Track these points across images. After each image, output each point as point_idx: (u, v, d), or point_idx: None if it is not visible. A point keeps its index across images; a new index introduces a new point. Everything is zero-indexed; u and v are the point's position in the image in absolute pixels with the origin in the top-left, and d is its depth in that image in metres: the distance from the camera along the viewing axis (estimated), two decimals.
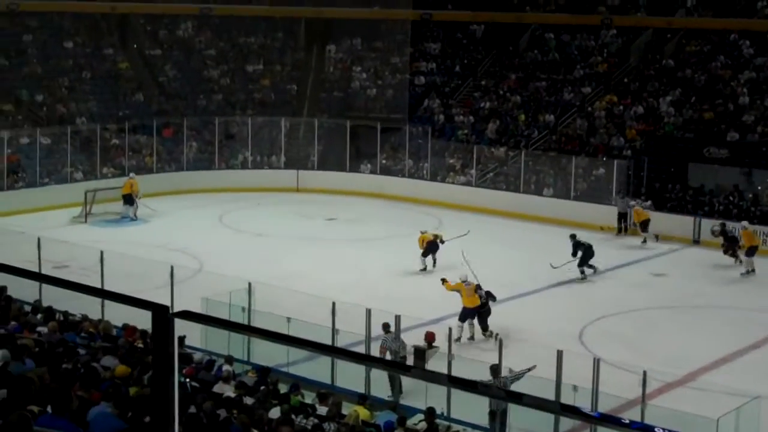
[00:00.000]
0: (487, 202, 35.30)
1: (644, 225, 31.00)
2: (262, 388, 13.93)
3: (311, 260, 27.21)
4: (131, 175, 33.16)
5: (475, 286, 20.77)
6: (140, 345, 15.00)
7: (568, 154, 36.61)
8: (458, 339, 19.20)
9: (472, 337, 20.05)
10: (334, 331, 16.94)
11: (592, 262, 26.10)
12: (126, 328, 16.17)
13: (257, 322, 17.74)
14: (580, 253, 25.90)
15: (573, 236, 26.41)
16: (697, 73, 39.49)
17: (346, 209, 34.83)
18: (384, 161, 39.49)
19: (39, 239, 21.47)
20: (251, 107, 42.70)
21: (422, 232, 26.74)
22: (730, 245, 28.49)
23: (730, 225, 29.92)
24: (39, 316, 16.66)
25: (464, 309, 20.46)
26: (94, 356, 13.39)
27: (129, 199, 31.89)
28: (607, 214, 32.68)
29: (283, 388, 14.32)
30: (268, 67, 45.27)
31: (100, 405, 10.02)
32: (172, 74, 43.76)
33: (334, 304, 17.10)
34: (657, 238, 30.67)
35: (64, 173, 35.37)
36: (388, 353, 16.54)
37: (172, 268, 19.50)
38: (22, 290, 19.97)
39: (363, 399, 14.25)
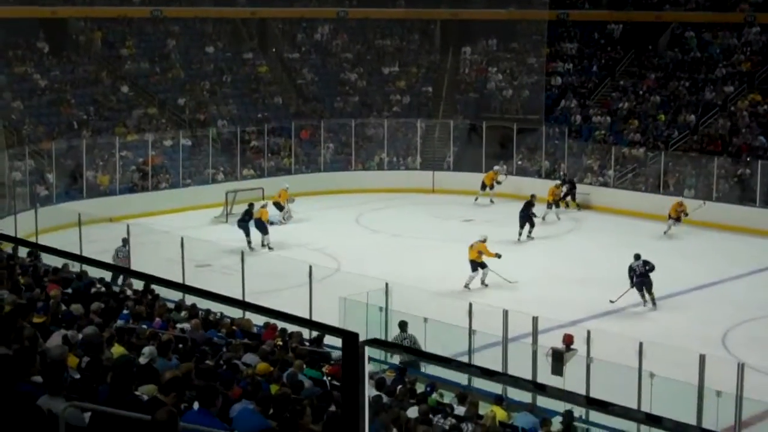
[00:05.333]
0: (625, 203, 34.72)
1: None
2: (400, 387, 14.00)
3: (448, 261, 27.17)
4: (285, 186, 33.39)
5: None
6: (280, 343, 15.26)
7: (710, 155, 35.74)
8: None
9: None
10: (471, 332, 16.92)
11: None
12: (267, 326, 16.46)
13: (394, 322, 17.89)
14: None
15: (638, 257, 23.44)
16: None
17: (482, 210, 34.75)
18: (520, 162, 39.25)
19: (182, 239, 21.99)
20: (387, 109, 42.99)
21: None
22: None
23: None
24: (183, 313, 17.06)
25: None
26: (235, 353, 13.67)
27: (279, 206, 32.17)
28: (750, 215, 31.78)
29: (420, 388, 14.37)
30: (403, 69, 45.51)
31: (242, 402, 10.18)
32: (309, 77, 44.39)
33: (470, 304, 17.07)
34: None
35: (206, 174, 36.27)
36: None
37: (310, 267, 19.74)
38: (167, 290, 20.68)
39: (500, 400, 14.19)
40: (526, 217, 29.68)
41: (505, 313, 16.67)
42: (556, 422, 13.49)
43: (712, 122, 38.57)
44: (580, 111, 41.70)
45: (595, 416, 14.61)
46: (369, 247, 29.01)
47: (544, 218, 32.33)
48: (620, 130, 39.64)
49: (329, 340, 16.45)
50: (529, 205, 29.97)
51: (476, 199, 35.83)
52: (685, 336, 20.13)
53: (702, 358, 14.30)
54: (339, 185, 36.75)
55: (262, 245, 28.79)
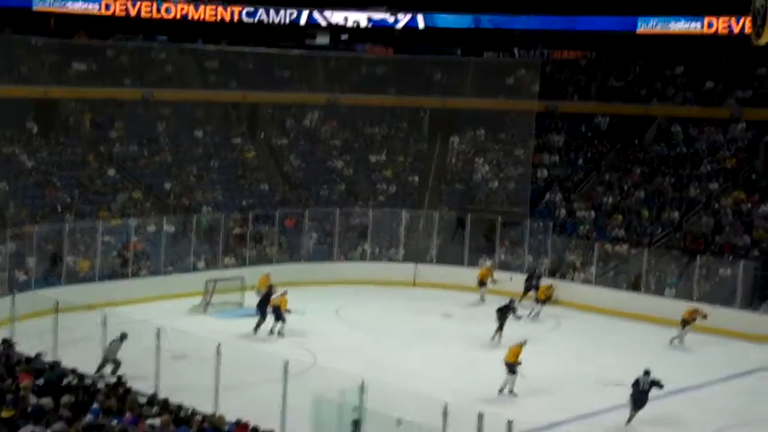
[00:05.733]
0: (606, 302, 34.69)
1: None
2: None
3: (426, 358, 27.09)
4: (266, 272, 33.44)
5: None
6: None
7: (693, 253, 35.77)
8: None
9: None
10: None
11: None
12: (239, 424, 16.25)
13: (369, 420, 17.67)
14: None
15: (648, 373, 22.71)
16: None
17: (463, 305, 34.63)
18: (503, 256, 39.22)
19: (158, 330, 21.81)
20: (373, 198, 43.07)
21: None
22: None
23: None
24: (154, 408, 16.85)
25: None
26: None
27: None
28: (732, 318, 31.75)
29: None
30: (391, 157, 45.73)
31: None
32: (296, 164, 44.54)
33: (446, 405, 16.88)
34: None
35: (187, 262, 36.09)
36: None
37: (286, 363, 19.53)
38: (143, 380, 20.52)
39: None
40: (502, 319, 29.33)
41: (480, 416, 16.47)
42: None
43: (695, 220, 38.71)
44: (565, 205, 41.85)
45: None
46: (346, 342, 28.83)
47: (537, 314, 33.15)
48: (604, 226, 39.74)
49: None
50: (506, 309, 29.60)
51: (482, 298, 35.43)
52: None
53: None
54: (320, 276, 36.61)
55: (270, 332, 29.26)
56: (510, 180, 43.97)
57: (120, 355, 23.61)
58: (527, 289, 34.93)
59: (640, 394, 22.11)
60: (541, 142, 45.72)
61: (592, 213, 40.81)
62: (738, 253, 35.45)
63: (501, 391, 23.93)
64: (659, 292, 34.96)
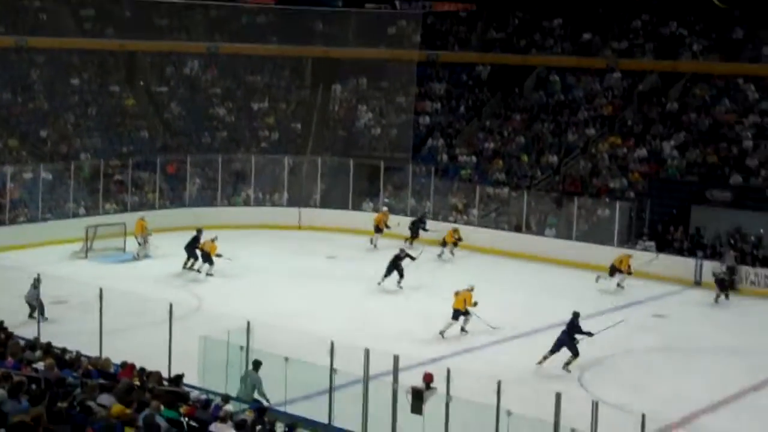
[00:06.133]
0: (488, 242, 35.29)
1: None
2: (259, 427, 13.83)
3: (312, 298, 27.21)
4: (141, 215, 33.26)
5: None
6: (137, 383, 14.92)
7: (571, 195, 36.65)
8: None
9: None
10: (332, 372, 16.83)
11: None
12: (124, 366, 16.09)
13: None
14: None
15: (577, 315, 22.60)
16: (701, 116, 39.55)
17: (347, 248, 34.83)
18: (387, 200, 39.51)
19: (38, 275, 21.43)
20: (255, 145, 42.82)
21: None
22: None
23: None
24: (37, 352, 16.56)
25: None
26: (90, 394, 13.30)
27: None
28: (610, 255, 32.62)
29: (280, 428, 14.23)
30: (273, 105, 45.46)
31: None
32: (177, 111, 43.95)
33: (332, 343, 16.98)
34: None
35: (66, 209, 35.39)
36: None
37: (171, 305, 19.38)
38: (23, 327, 20.12)
39: None
40: (394, 267, 29.13)
41: (367, 351, 16.64)
42: None
43: (573, 164, 39.58)
44: (447, 151, 42.31)
45: None
46: (232, 285, 28.76)
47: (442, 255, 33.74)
48: (485, 170, 40.34)
49: (189, 379, 16.21)
50: (397, 258, 29.28)
51: (374, 244, 35.36)
52: (542, 373, 20.48)
53: (558, 396, 14.48)
54: (204, 221, 36.25)
55: (198, 270, 29.81)
56: (392, 127, 44.21)
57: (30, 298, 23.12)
58: (414, 233, 35.25)
59: (568, 338, 21.90)
60: (423, 90, 46.00)
61: (474, 158, 41.36)
62: (614, 195, 36.43)
63: (442, 333, 24.11)
64: (540, 232, 35.77)
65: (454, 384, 15.45)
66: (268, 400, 16.65)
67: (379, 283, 28.93)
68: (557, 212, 36.65)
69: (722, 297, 29.32)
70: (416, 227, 35.40)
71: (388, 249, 31.35)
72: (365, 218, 37.78)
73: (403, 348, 18.19)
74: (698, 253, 32.30)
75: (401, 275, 28.92)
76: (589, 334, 21.83)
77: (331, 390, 16.55)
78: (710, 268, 30.91)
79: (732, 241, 32.73)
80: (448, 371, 15.87)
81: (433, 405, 15.89)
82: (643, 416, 13.58)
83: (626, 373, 22.00)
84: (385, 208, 36.79)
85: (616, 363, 22.70)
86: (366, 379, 16.51)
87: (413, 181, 39.25)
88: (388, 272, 29.00)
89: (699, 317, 27.82)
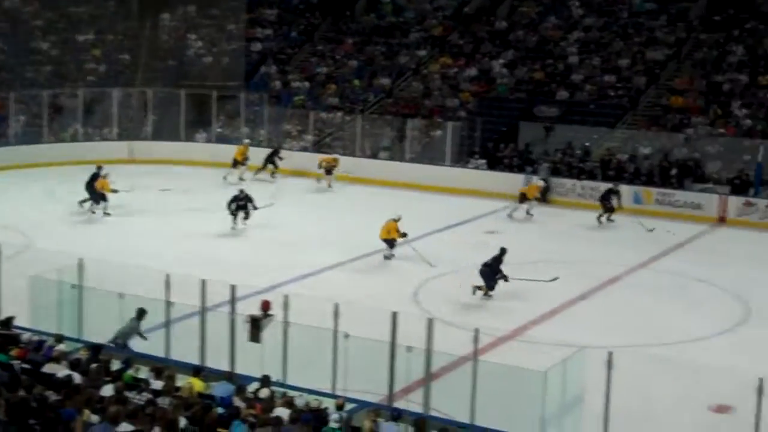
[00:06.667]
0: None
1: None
2: (94, 366, 13.66)
3: (146, 232, 26.84)
4: None
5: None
6: None
7: (404, 117, 36.98)
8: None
9: None
10: (169, 304, 16.69)
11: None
12: None
13: (88, 300, 17.37)
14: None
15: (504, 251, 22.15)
16: (528, 34, 40.30)
17: (181, 179, 34.38)
18: (220, 129, 39.04)
19: None
20: (82, 78, 41.55)
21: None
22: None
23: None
24: None
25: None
26: None
27: None
28: (443, 175, 33.26)
29: (115, 365, 14.08)
30: (99, 36, 44.09)
31: None
32: None
33: (168, 276, 16.82)
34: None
35: None
36: None
37: None
38: None
39: (198, 371, 14.13)
40: (238, 208, 27.33)
41: (203, 282, 16.56)
42: (253, 387, 13.59)
43: (406, 86, 39.89)
44: (280, 77, 42.02)
45: (293, 379, 14.88)
46: (63, 223, 28.09)
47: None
48: (318, 95, 40.27)
49: (19, 321, 15.84)
50: (237, 199, 27.44)
51: (241, 178, 34.27)
52: (379, 294, 20.81)
53: (394, 316, 14.75)
54: (31, 159, 35.20)
55: (93, 211, 29.00)
56: (224, 55, 43.55)
57: None
58: (272, 164, 34.87)
59: (490, 272, 21.70)
60: (253, 16, 45.38)
61: (307, 83, 41.21)
62: (446, 115, 36.94)
63: (388, 257, 24.47)
64: (374, 155, 36.06)
65: (292, 310, 15.55)
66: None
67: (233, 228, 27.54)
68: (391, 135, 36.97)
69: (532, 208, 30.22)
70: (272, 159, 34.99)
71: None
72: (199, 149, 37.38)
73: (240, 278, 18.14)
74: (527, 168, 33.14)
75: (247, 216, 27.40)
76: (506, 278, 21.60)
77: (168, 323, 16.44)
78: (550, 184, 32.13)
79: (561, 155, 33.69)
80: (286, 297, 15.98)
81: (271, 332, 16.00)
82: (477, 330, 13.96)
83: (462, 290, 22.51)
84: (246, 141, 35.75)
85: (451, 280, 23.21)
86: (203, 310, 16.46)
87: (246, 109, 38.86)
88: (234, 214, 27.36)
89: (530, 231, 28.64)
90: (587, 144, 34.16)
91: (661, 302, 21.88)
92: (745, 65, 35.81)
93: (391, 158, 35.67)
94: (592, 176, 32.42)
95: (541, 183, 31.44)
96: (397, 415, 12.74)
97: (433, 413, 14.05)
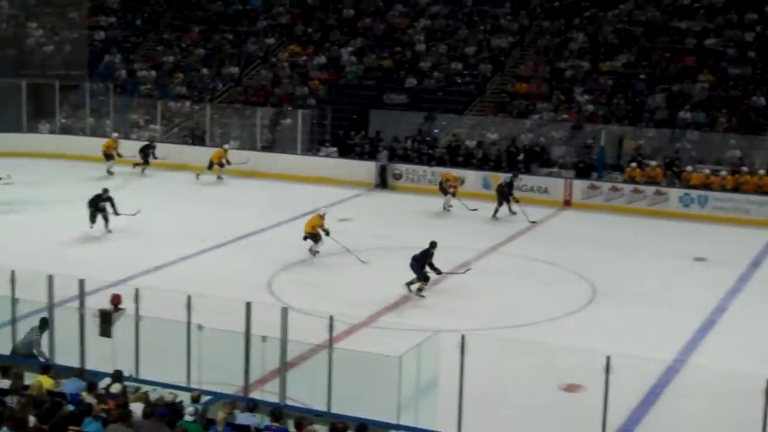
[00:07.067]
0: (177, 158, 34.81)
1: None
2: None
3: None
4: None
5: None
6: None
7: (254, 106, 36.76)
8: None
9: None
10: (14, 302, 16.20)
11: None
12: None
13: None
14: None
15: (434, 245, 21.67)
16: (376, 21, 40.53)
17: (24, 172, 33.30)
18: (64, 120, 38.01)
19: None
20: None
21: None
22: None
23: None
24: None
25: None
26: None
27: None
28: (294, 163, 33.23)
29: None
30: None
31: None
32: None
33: (13, 272, 16.33)
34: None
35: None
36: None
37: None
38: None
39: (46, 369, 13.76)
40: (98, 210, 25.60)
41: (50, 278, 16.13)
42: (105, 383, 13.32)
43: (255, 74, 39.64)
44: (125, 66, 41.20)
45: (145, 373, 14.64)
46: None
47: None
48: (165, 84, 39.64)
49: None
50: (99, 199, 25.75)
51: (109, 171, 33.27)
52: (234, 285, 20.65)
53: (248, 306, 14.66)
54: None
55: None
56: (66, 43, 42.34)
57: None
58: (145, 159, 33.73)
59: (419, 266, 21.29)
60: (96, 4, 44.31)
61: (153, 72, 40.51)
62: (296, 103, 36.86)
63: (314, 252, 23.81)
64: (224, 144, 35.69)
65: (144, 303, 15.31)
66: (46, 359, 15.63)
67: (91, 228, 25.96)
68: (240, 123, 36.70)
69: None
70: (146, 153, 33.95)
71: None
72: (42, 140, 36.35)
73: (90, 272, 17.75)
74: (378, 156, 33.37)
75: (106, 221, 25.74)
76: (438, 271, 21.33)
77: (13, 321, 15.97)
78: (390, 170, 32.34)
79: (411, 142, 34.02)
80: (137, 291, 15.71)
81: (122, 326, 15.69)
82: (331, 318, 14.00)
83: (314, 278, 22.55)
84: (115, 134, 34.29)
85: (305, 269, 23.22)
86: (51, 307, 16.05)
87: (91, 99, 37.89)
88: (92, 217, 25.58)
89: (382, 218, 28.84)
90: (436, 131, 34.61)
91: (512, 285, 22.37)
92: (587, 52, 36.81)
93: (241, 147, 35.36)
94: (441, 163, 32.83)
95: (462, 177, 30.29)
96: (252, 406, 12.69)
97: (290, 402, 14.03)
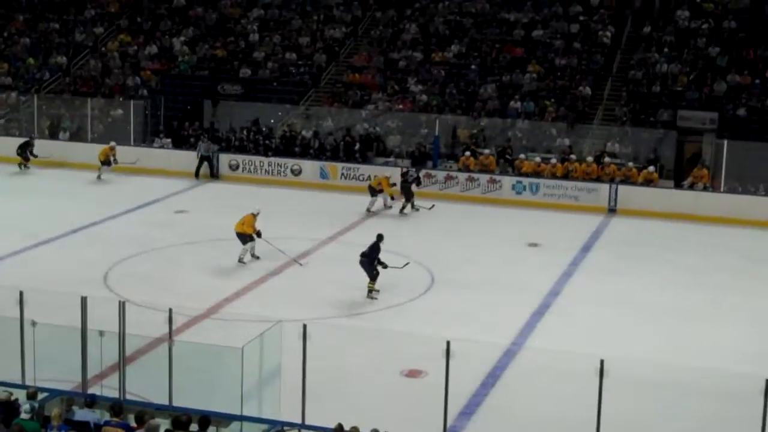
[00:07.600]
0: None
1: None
2: None
3: None
4: None
5: None
6: None
7: (84, 96, 35.83)
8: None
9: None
10: None
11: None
12: None
13: None
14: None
15: (380, 237, 21.40)
16: (208, 11, 40.05)
17: None
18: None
19: None
20: None
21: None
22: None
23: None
24: None
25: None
26: None
27: None
28: (129, 153, 32.55)
29: None
30: None
31: None
32: None
33: None
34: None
35: None
36: None
37: None
38: None
39: None
40: None
41: None
42: None
43: (84, 64, 38.64)
44: None
45: None
46: None
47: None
48: None
49: None
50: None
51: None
52: (68, 279, 20.11)
53: (83, 300, 14.28)
54: None
55: None
56: None
57: None
58: (24, 156, 32.42)
59: (368, 261, 20.77)
60: None
61: None
62: (128, 94, 36.09)
63: (241, 257, 22.61)
64: (54, 136, 34.70)
65: None
66: None
67: None
68: (69, 115, 35.68)
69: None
70: (25, 150, 32.46)
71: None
72: None
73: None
74: (198, 145, 32.79)
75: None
76: (384, 265, 20.83)
77: None
78: (225, 160, 32.12)
79: (246, 133, 33.73)
80: (21, 293, 15.12)
81: None
82: (170, 311, 13.78)
83: (152, 271, 22.15)
84: (113, 143, 32.14)
85: (140, 262, 22.78)
86: None
87: None
88: None
89: (217, 209, 28.46)
90: (272, 121, 34.44)
91: (354, 274, 22.42)
92: (419, 43, 37.24)
93: (72, 139, 34.40)
94: (278, 153, 32.68)
95: (387, 175, 29.48)
96: (91, 402, 12.41)
97: (130, 397, 13.76)
